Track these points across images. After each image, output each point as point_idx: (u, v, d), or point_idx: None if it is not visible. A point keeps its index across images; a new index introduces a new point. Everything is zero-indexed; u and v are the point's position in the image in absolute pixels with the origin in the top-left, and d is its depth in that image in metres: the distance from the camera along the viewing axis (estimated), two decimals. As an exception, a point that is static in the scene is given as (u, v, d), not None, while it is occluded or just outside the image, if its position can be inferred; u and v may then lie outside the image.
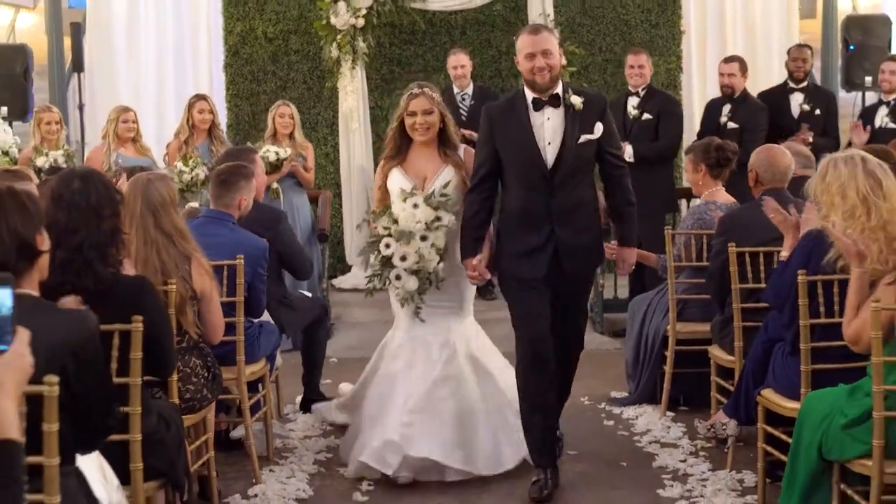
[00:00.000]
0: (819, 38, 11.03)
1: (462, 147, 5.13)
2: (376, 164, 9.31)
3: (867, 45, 10.71)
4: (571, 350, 5.00)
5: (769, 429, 4.35)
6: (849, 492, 3.66)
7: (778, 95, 8.68)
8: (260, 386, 5.13)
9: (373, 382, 5.16)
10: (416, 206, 4.89)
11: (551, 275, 4.77)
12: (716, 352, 5.29)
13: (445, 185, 4.96)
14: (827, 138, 8.38)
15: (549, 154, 4.71)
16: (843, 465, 3.67)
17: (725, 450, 4.97)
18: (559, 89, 4.76)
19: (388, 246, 4.89)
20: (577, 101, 4.71)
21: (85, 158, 8.01)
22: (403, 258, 4.87)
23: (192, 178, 7.35)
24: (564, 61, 4.87)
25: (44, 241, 2.67)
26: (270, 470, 4.98)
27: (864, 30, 10.84)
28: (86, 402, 2.59)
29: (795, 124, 8.48)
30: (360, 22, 9.20)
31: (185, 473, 3.54)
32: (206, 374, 4.19)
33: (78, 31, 10.90)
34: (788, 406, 4.11)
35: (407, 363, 5.02)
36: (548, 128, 4.73)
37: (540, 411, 4.74)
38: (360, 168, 9.33)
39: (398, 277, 4.90)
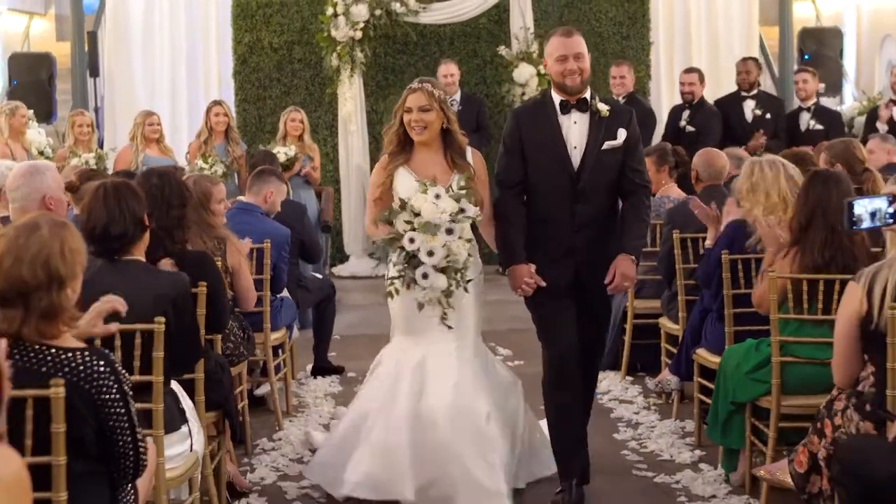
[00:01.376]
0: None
1: (470, 150, 4.85)
2: (373, 164, 10.29)
3: (821, 54, 11.75)
4: (595, 357, 4.89)
5: (703, 381, 5.32)
6: (757, 424, 4.63)
7: (732, 102, 9.67)
8: (280, 351, 6.08)
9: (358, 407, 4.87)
10: (438, 196, 4.50)
11: (576, 282, 4.68)
12: (664, 322, 6.26)
13: (462, 178, 4.64)
14: (777, 140, 9.36)
15: (575, 158, 4.63)
16: (753, 404, 4.64)
17: (670, 401, 5.96)
18: (587, 94, 4.68)
19: (412, 241, 4.45)
20: (603, 107, 4.65)
21: (115, 158, 8.91)
22: (431, 253, 4.45)
23: (211, 173, 8.30)
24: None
25: (148, 220, 3.63)
26: (290, 421, 5.92)
27: (817, 40, 11.88)
28: (180, 339, 3.54)
29: (749, 128, 9.47)
30: (358, 34, 10.10)
31: (234, 407, 4.51)
32: (241, 335, 5.13)
33: (94, 38, 11.86)
34: (714, 360, 5.08)
35: (390, 393, 4.68)
36: (574, 131, 4.65)
37: (566, 424, 4.68)
38: (357, 167, 10.26)
39: (425, 276, 4.46)
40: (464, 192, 4.55)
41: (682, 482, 4.90)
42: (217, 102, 9.08)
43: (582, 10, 10.88)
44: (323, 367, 6.88)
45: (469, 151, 4.81)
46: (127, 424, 2.79)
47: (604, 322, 4.96)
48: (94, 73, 11.84)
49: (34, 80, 11.26)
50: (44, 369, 2.71)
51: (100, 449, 2.77)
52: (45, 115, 10.97)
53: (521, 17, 10.32)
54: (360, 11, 10.01)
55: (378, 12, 10.09)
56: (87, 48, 11.70)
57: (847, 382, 3.69)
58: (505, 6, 10.40)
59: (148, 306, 3.39)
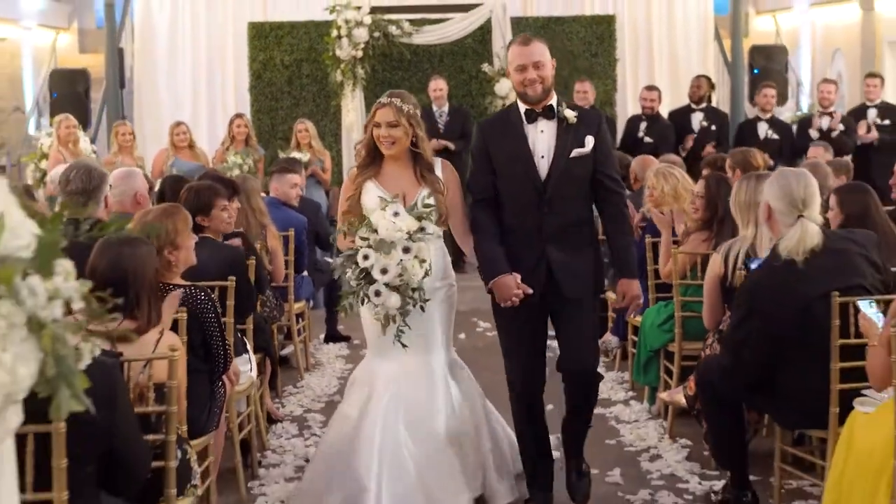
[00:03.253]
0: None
1: (438, 161, 4.81)
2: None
3: (768, 68, 13.22)
4: (583, 380, 4.71)
5: (634, 338, 6.79)
6: (668, 364, 6.10)
7: (683, 114, 11.15)
8: (301, 318, 7.54)
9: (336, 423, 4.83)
10: (396, 213, 4.39)
11: (546, 299, 4.58)
12: (610, 294, 7.73)
13: (428, 196, 4.58)
14: (720, 147, 10.83)
15: (542, 167, 4.54)
16: (664, 349, 6.11)
17: (612, 357, 7.44)
18: (553, 101, 4.58)
19: (366, 257, 4.33)
20: (570, 114, 4.51)
21: (151, 162, 10.37)
22: (384, 271, 4.32)
23: (244, 163, 9.78)
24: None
25: (221, 206, 5.13)
26: (309, 374, 7.39)
27: (766, 56, 13.36)
28: (240, 294, 4.99)
29: (697, 137, 10.89)
30: (359, 53, 11.60)
31: (275, 351, 5.99)
32: (275, 302, 6.59)
33: (121, 53, 13.32)
34: (638, 320, 6.56)
35: (363, 408, 4.65)
36: (541, 140, 4.55)
37: (531, 441, 4.78)
38: (358, 169, 11.73)
39: (378, 294, 4.34)
40: (428, 209, 4.47)
41: (614, 412, 6.37)
42: (238, 115, 10.54)
43: (556, 31, 12.33)
44: (333, 335, 8.34)
45: (439, 164, 4.76)
46: (218, 336, 4.25)
47: (587, 343, 4.68)
48: (121, 84, 13.30)
49: (72, 93, 12.71)
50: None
51: (204, 351, 4.22)
52: (83, 124, 12.40)
53: (502, 38, 11.78)
54: (361, 34, 11.51)
55: (377, 34, 11.60)
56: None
57: (713, 325, 5.17)
58: (488, 28, 11.90)
59: (218, 269, 4.86)
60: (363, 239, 4.40)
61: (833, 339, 4.12)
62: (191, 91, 13.01)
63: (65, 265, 2.00)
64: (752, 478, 4.74)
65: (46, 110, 16.06)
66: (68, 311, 2.01)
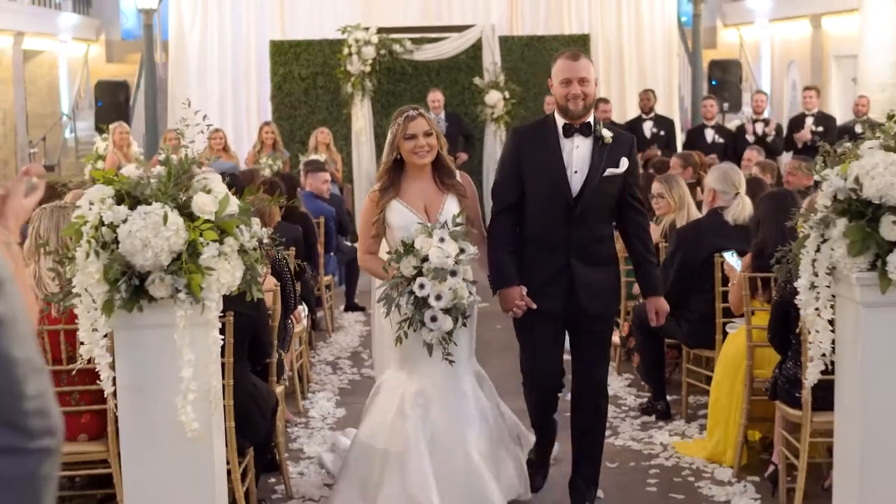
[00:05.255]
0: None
1: (456, 173, 4.81)
2: (378, 167, 13.62)
3: (725, 80, 15.04)
4: (592, 399, 4.76)
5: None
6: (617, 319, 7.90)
7: (635, 123, 12.91)
8: (328, 289, 9.33)
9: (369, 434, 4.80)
10: (443, 239, 4.43)
11: (566, 312, 4.62)
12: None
13: (458, 215, 4.58)
14: (667, 151, 12.58)
15: (575, 183, 4.53)
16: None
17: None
18: (591, 119, 4.58)
19: (422, 286, 4.37)
20: (607, 134, 4.55)
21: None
22: (439, 297, 4.35)
23: (277, 167, 11.55)
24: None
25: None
26: (335, 334, 9.18)
27: (722, 70, 15.17)
28: (303, 260, 6.79)
29: (647, 143, 12.62)
30: (367, 68, 13.39)
31: (315, 309, 7.80)
32: (312, 273, 8.39)
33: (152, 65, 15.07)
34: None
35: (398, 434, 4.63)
36: (576, 156, 4.55)
37: (546, 422, 5.02)
38: (366, 170, 13.52)
39: (434, 319, 4.38)
40: (460, 229, 4.50)
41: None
42: (267, 123, 12.33)
43: (538, 48, 14.12)
44: (352, 306, 10.14)
45: (458, 175, 4.80)
46: (291, 284, 6.02)
47: (600, 361, 4.77)
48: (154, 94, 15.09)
49: (114, 102, 14.49)
50: None
51: (282, 295, 5.98)
52: (124, 129, 14.18)
53: (491, 55, 13.64)
54: (369, 52, 13.30)
55: (382, 52, 13.40)
56: (134, 73, 14.91)
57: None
58: (479, 46, 13.71)
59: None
60: (414, 268, 4.42)
61: (717, 285, 5.91)
62: (218, 100, 14.76)
63: (255, 220, 3.82)
64: (669, 397, 6.53)
65: (84, 116, 17.88)
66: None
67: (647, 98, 12.89)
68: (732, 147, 12.27)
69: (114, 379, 3.73)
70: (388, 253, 4.63)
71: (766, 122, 12.29)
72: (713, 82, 15.04)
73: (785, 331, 4.78)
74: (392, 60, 13.52)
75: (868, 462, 3.96)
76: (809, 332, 4.07)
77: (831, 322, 3.97)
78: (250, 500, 4.65)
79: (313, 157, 11.93)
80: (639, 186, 4.85)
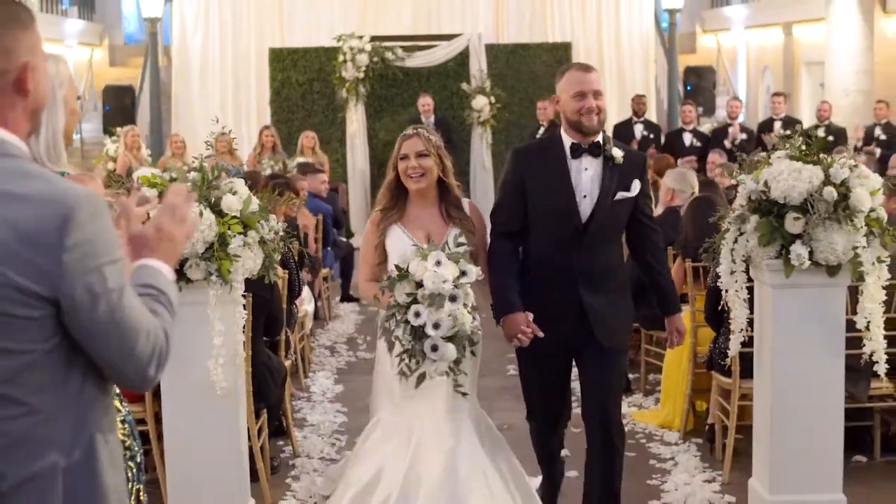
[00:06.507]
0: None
1: (466, 202, 4.49)
2: (371, 167, 14.45)
3: (699, 86, 15.88)
4: (607, 440, 4.37)
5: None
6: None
7: (627, 125, 13.75)
8: (326, 281, 10.15)
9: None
10: (439, 262, 4.04)
11: (573, 345, 4.34)
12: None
13: (459, 235, 4.32)
14: (656, 151, 13.41)
15: (585, 208, 4.24)
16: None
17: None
18: (600, 137, 4.28)
19: (417, 315, 4.02)
20: (618, 154, 4.25)
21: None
22: (437, 325, 4.00)
23: (277, 168, 12.33)
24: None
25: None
26: (332, 321, 10.00)
27: (697, 76, 16.01)
28: (300, 254, 7.61)
29: (639, 145, 13.47)
30: (361, 74, 14.21)
31: (316, 299, 8.62)
32: (311, 265, 9.21)
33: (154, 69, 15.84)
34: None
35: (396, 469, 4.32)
36: (585, 179, 4.25)
37: (554, 469, 4.83)
38: (360, 170, 14.35)
39: (434, 349, 4.02)
40: (461, 249, 4.15)
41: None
42: (266, 127, 13.14)
43: (522, 56, 14.94)
44: (347, 297, 10.96)
45: (466, 205, 4.48)
46: (296, 274, 6.83)
47: (612, 395, 4.40)
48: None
49: (121, 106, 15.27)
50: None
51: (288, 282, 6.80)
52: (130, 132, 14.97)
53: (478, 61, 14.47)
54: (363, 59, 14.12)
55: (375, 59, 14.23)
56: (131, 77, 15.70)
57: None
58: (466, 53, 14.55)
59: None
60: (408, 295, 4.05)
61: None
62: (219, 104, 15.57)
63: (272, 216, 4.64)
64: (630, 375, 7.34)
65: (89, 118, 18.63)
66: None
67: (640, 103, 13.67)
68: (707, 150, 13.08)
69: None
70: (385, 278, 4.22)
71: (739, 127, 13.13)
72: (688, 87, 15.86)
73: (718, 311, 5.61)
74: (384, 67, 14.33)
75: (779, 420, 4.78)
76: (731, 311, 4.90)
77: (748, 301, 4.80)
78: (264, 455, 5.45)
79: (300, 160, 12.74)
80: (649, 206, 4.54)
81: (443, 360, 4.03)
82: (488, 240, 4.51)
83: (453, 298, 4.01)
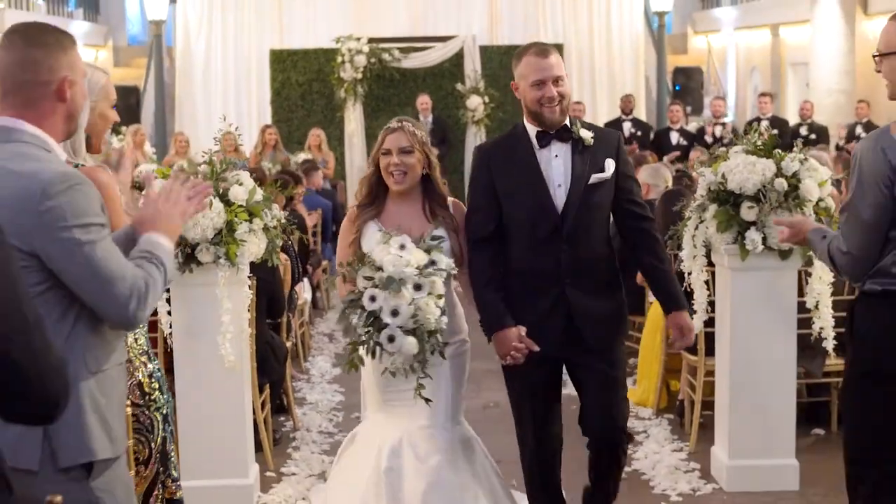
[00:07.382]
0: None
1: (451, 201, 4.15)
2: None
3: (688, 86, 16.33)
4: (611, 443, 4.08)
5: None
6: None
7: (615, 124, 14.19)
8: (325, 272, 10.61)
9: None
10: (402, 246, 3.80)
11: (564, 350, 4.02)
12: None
13: (436, 230, 4.02)
14: (645, 149, 13.85)
15: (559, 197, 3.95)
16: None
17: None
18: (567, 121, 3.96)
19: (373, 298, 3.71)
20: (586, 134, 3.94)
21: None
22: (395, 313, 3.69)
23: (272, 165, 12.78)
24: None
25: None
26: (330, 310, 10.45)
27: (686, 76, 16.46)
28: (303, 246, 8.06)
29: (627, 142, 13.96)
30: (359, 75, 14.66)
31: (315, 290, 9.09)
32: (310, 258, 9.67)
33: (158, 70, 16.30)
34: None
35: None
36: (556, 166, 3.96)
37: None
38: (358, 168, 14.79)
39: (391, 339, 3.68)
40: (436, 241, 3.91)
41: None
42: (268, 125, 13.59)
43: (516, 57, 15.35)
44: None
45: (451, 204, 4.15)
46: (295, 257, 7.30)
47: (616, 400, 4.07)
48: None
49: (126, 106, 15.69)
50: None
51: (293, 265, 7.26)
52: (135, 131, 15.42)
53: (472, 62, 14.93)
54: (361, 60, 14.58)
55: (373, 60, 14.68)
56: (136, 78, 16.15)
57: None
58: (461, 54, 15.00)
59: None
60: (367, 279, 3.77)
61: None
62: (221, 104, 16.02)
63: (275, 205, 5.11)
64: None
65: (95, 118, 18.99)
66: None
67: (627, 101, 14.12)
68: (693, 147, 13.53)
69: (170, 323, 5.02)
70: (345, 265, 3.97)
71: (724, 125, 13.58)
72: (677, 87, 16.32)
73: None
74: (381, 68, 14.79)
75: (737, 391, 5.26)
76: (693, 292, 5.36)
77: (707, 283, 5.27)
78: (267, 426, 5.91)
79: (303, 156, 13.20)
80: (636, 189, 4.17)
81: (400, 353, 3.71)
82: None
83: (418, 287, 3.73)
